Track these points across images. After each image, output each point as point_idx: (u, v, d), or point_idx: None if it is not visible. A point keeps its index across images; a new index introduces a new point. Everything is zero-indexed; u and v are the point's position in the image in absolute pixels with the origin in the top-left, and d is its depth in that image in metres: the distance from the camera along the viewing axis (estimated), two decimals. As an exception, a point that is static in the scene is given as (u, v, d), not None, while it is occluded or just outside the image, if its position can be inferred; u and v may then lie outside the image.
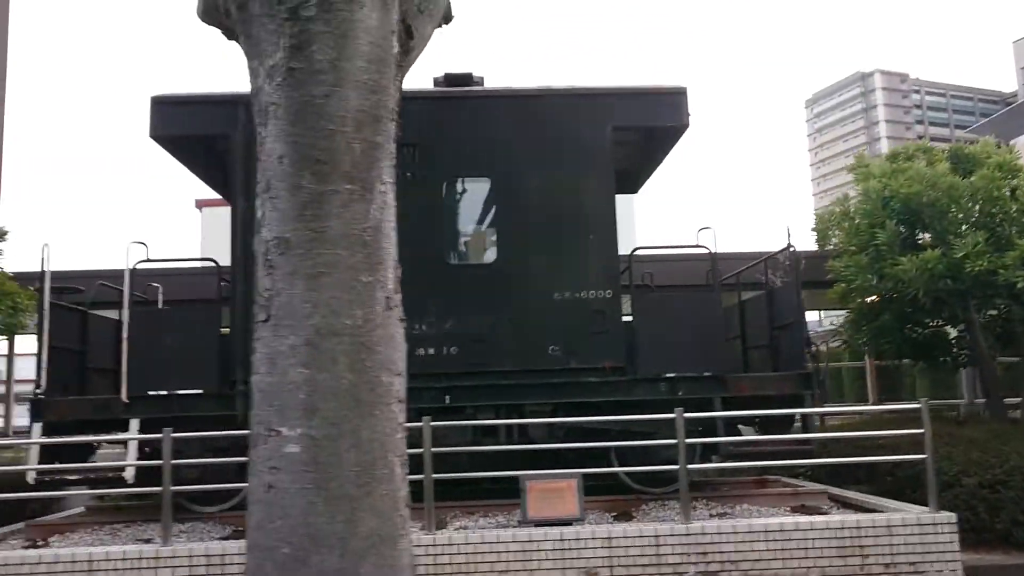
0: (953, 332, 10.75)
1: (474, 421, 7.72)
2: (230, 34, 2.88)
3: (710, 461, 8.70)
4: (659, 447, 7.92)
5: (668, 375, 8.17)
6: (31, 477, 7.60)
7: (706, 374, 8.21)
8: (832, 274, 10.83)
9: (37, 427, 7.74)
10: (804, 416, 8.18)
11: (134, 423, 7.79)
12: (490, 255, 8.30)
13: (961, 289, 9.29)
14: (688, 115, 8.50)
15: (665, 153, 9.12)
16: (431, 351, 8.02)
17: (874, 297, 10.72)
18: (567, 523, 7.33)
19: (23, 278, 10.99)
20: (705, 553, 7.09)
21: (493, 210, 8.29)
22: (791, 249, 8.54)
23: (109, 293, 9.43)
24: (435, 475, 7.11)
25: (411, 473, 6.85)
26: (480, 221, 8.37)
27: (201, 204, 34.78)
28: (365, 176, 2.65)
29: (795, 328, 8.33)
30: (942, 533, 7.16)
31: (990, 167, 9.43)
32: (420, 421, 7.80)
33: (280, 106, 2.63)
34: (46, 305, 7.85)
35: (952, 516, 7.17)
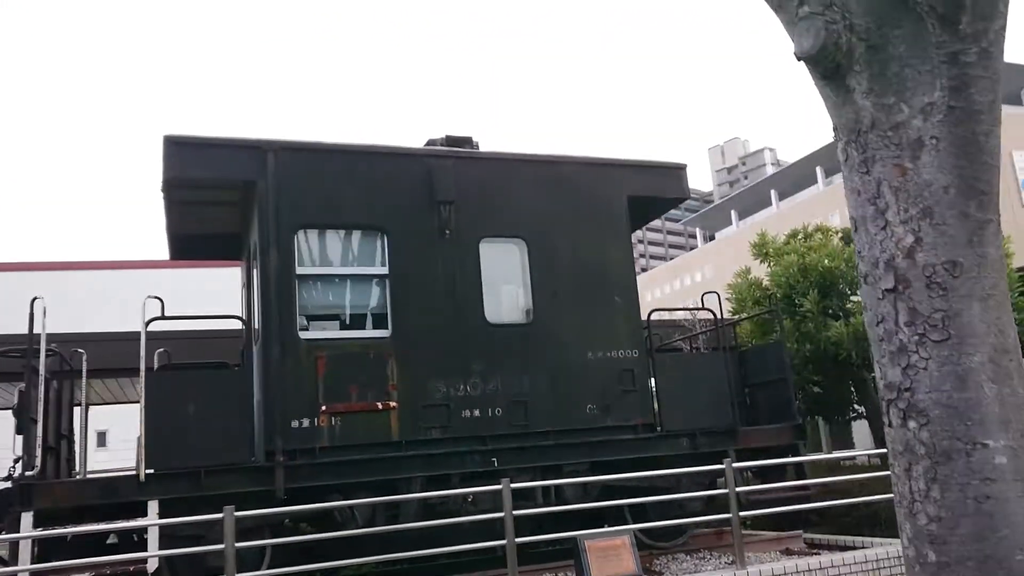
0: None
1: (559, 482, 7.54)
2: (834, 72, 3.00)
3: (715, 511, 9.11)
4: (681, 500, 8.30)
5: (688, 431, 8.60)
6: (25, 580, 6.21)
7: (717, 429, 8.76)
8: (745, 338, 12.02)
9: (27, 517, 6.37)
10: (799, 464, 8.99)
11: (153, 505, 6.69)
12: (526, 315, 8.31)
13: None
14: (688, 188, 9.27)
15: (657, 216, 9.77)
16: (476, 413, 7.80)
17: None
18: (624, 581, 7.41)
19: None
20: (764, 596, 7.52)
21: (527, 270, 8.34)
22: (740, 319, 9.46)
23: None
24: (518, 539, 6.88)
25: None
26: (514, 281, 8.37)
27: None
28: (997, 208, 2.90)
29: (785, 383, 9.18)
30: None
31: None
32: (464, 487, 7.56)
33: (941, 140, 2.82)
34: (41, 370, 6.58)
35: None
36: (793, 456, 8.96)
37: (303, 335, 7.44)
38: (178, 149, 7.34)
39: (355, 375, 7.45)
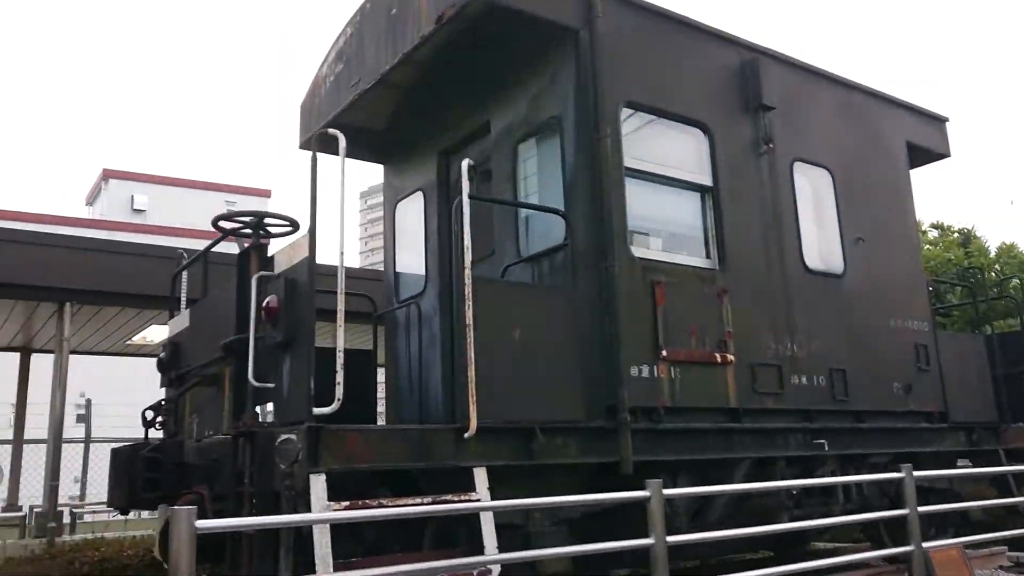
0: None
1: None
2: None
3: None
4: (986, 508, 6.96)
5: (968, 423, 7.26)
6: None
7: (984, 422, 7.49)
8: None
9: (319, 481, 3.81)
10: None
11: (480, 473, 4.32)
12: (839, 264, 6.61)
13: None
14: (950, 146, 8.02)
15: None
16: (804, 380, 6.00)
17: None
18: (964, 599, 5.94)
19: None
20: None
21: (833, 209, 6.68)
22: None
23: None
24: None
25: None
26: (823, 220, 6.66)
27: None
28: None
29: (1029, 378, 8.08)
30: None
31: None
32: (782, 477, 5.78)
33: None
34: (341, 286, 4.07)
35: None
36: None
37: (635, 252, 5.32)
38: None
39: (692, 313, 5.43)
